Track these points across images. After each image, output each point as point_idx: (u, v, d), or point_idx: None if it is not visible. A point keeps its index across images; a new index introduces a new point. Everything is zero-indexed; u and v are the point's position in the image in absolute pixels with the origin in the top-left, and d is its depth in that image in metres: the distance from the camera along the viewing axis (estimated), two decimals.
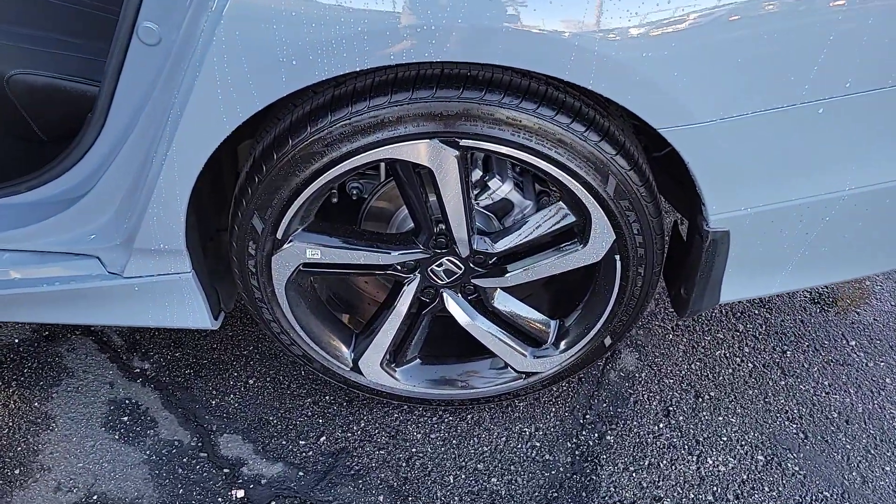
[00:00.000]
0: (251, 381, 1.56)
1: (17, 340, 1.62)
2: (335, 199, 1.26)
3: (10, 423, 1.46)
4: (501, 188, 1.21)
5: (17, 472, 1.38)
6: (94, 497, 1.35)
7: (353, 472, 1.40)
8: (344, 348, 1.36)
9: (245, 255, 1.21)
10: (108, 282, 1.25)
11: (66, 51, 1.26)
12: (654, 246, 1.17)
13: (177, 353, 1.61)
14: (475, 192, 1.21)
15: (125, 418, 1.48)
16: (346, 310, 1.50)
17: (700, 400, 1.52)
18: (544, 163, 1.06)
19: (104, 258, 1.24)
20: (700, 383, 1.55)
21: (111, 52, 1.05)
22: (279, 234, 1.16)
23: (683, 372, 1.57)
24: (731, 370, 1.58)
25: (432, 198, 1.15)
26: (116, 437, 1.45)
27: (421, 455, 1.42)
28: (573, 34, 0.93)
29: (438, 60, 0.95)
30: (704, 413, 1.49)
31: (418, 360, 1.40)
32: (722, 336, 1.65)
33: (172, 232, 1.15)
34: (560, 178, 1.07)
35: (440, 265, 1.24)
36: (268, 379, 1.56)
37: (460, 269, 1.24)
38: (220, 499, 1.35)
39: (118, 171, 1.13)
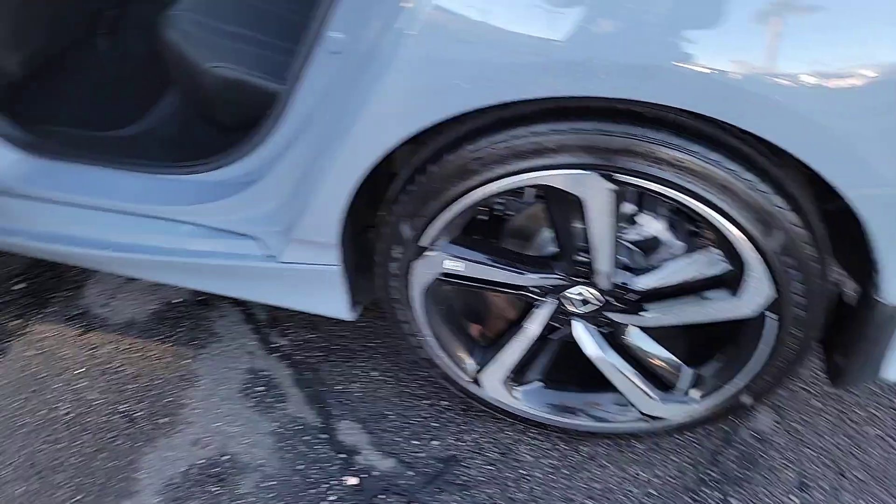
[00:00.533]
0: (374, 374, 1.62)
1: (175, 301, 1.79)
2: (481, 216, 1.28)
3: (165, 376, 1.62)
4: (652, 225, 1.17)
5: (164, 420, 1.53)
6: (225, 457, 1.47)
7: (460, 482, 1.41)
8: (468, 359, 1.38)
9: (388, 258, 1.26)
10: (264, 263, 1.35)
11: (258, 48, 1.38)
12: (816, 309, 1.08)
13: (311, 335, 1.70)
14: (623, 226, 1.18)
15: (260, 388, 1.60)
16: (474, 320, 1.51)
17: (843, 479, 1.38)
18: (705, 208, 1.01)
19: (264, 241, 1.34)
20: (845, 461, 1.41)
21: (297, 55, 1.13)
22: (423, 243, 1.20)
23: (827, 445, 1.44)
24: (884, 454, 1.42)
25: (578, 225, 1.14)
26: (250, 404, 1.56)
27: (530, 479, 1.41)
28: (751, 79, 0.88)
29: (604, 96, 0.94)
30: (847, 495, 1.36)
31: (540, 382, 1.39)
32: (878, 414, 1.49)
33: (329, 227, 1.22)
34: (720, 226, 1.02)
35: (576, 294, 1.22)
36: (390, 374, 1.62)
37: (596, 300, 1.22)
38: (334, 481, 1.42)
39: (288, 165, 1.22)
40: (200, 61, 1.37)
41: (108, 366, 1.64)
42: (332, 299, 1.37)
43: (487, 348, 1.38)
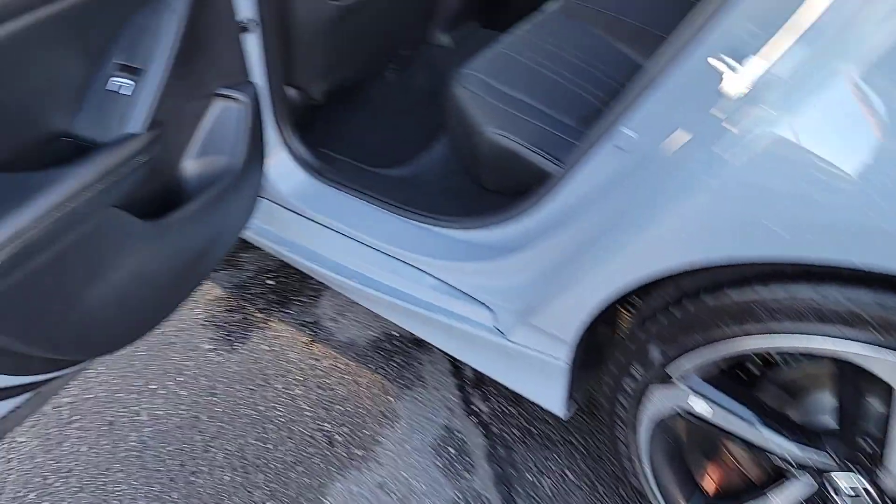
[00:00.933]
0: (569, 474, 1.50)
1: (393, 333, 1.84)
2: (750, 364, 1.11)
3: (368, 407, 1.66)
4: None
5: (359, 452, 1.56)
6: None
7: None
8: None
9: (625, 373, 1.14)
10: (491, 336, 1.31)
11: (541, 122, 1.35)
12: None
13: (513, 409, 1.64)
14: None
15: (452, 449, 1.56)
16: (704, 459, 1.32)
17: None
18: None
19: (497, 315, 1.30)
20: None
21: (583, 139, 1.07)
22: (670, 372, 1.07)
23: None
24: None
25: (874, 404, 0.93)
26: (439, 463, 1.54)
27: None
28: None
29: None
30: None
31: None
32: None
33: (568, 326, 1.14)
34: None
35: (848, 485, 1.00)
36: (585, 479, 1.49)
37: (876, 502, 0.98)
38: None
39: (545, 250, 1.16)
40: (481, 123, 1.38)
41: (324, 381, 1.72)
42: (548, 391, 1.29)
43: (713, 502, 1.19)
